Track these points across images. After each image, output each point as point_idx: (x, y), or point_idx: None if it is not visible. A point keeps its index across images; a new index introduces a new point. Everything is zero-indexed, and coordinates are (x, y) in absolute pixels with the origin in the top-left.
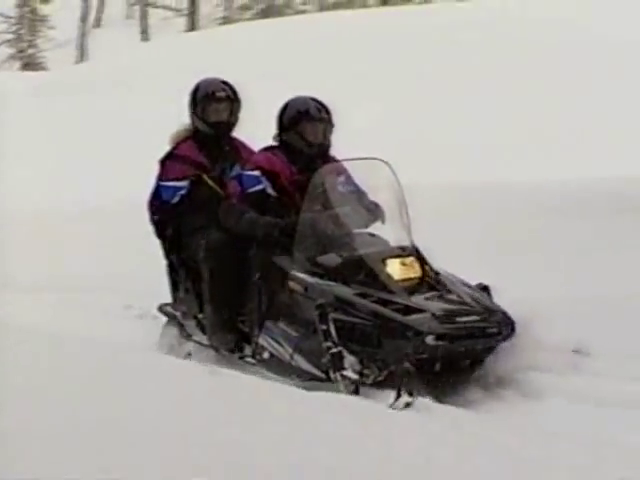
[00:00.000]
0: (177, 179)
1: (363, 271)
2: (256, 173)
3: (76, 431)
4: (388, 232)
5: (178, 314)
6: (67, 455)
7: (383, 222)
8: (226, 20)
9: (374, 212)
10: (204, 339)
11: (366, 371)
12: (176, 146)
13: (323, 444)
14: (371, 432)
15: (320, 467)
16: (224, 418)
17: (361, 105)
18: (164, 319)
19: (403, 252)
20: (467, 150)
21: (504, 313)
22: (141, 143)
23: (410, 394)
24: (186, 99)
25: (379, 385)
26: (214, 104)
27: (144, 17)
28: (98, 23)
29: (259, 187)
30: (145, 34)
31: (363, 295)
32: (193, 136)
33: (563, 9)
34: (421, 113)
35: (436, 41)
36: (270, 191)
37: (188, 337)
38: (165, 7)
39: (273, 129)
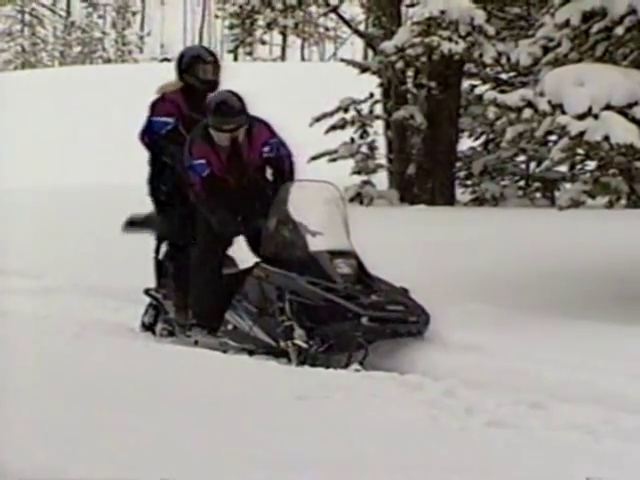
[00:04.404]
0: (165, 115)
1: (314, 266)
2: (202, 161)
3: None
4: (335, 238)
5: (159, 296)
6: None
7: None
8: None
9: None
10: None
11: (311, 342)
12: (164, 94)
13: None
14: None
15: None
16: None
17: None
18: (147, 300)
19: (346, 254)
20: None
21: (422, 308)
22: None
23: (360, 363)
24: None
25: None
26: (202, 65)
27: None
28: None
29: (207, 171)
30: None
31: (314, 283)
32: (182, 90)
33: None
34: None
35: None
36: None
37: (165, 314)
38: None
39: None
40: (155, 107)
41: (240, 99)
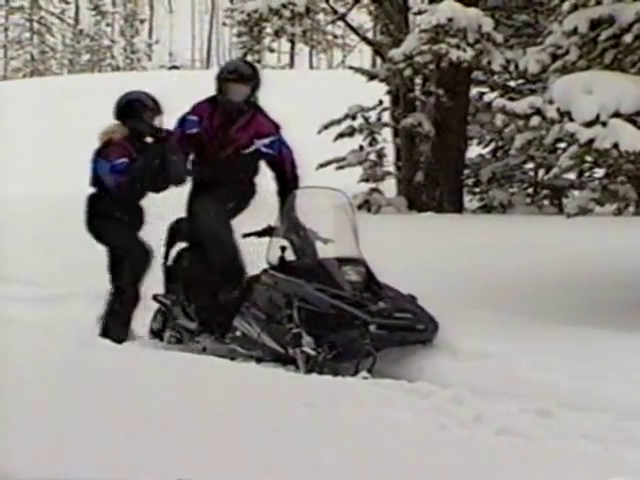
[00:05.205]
0: (121, 157)
1: (323, 273)
2: (195, 118)
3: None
4: (344, 245)
5: (168, 302)
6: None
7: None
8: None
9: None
10: (187, 322)
11: (319, 349)
12: (110, 139)
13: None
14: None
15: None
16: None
17: None
18: (156, 306)
19: (355, 261)
20: None
21: (430, 315)
22: None
23: (369, 371)
24: None
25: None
26: (149, 111)
27: None
28: None
29: (194, 130)
30: None
31: (322, 291)
32: (129, 137)
33: None
34: None
35: None
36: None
37: (174, 319)
38: None
39: None
40: (104, 152)
41: (254, 68)
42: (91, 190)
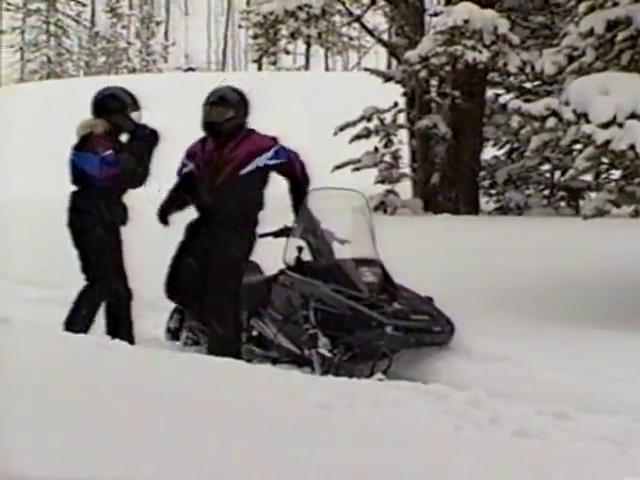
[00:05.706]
0: (108, 149)
1: (339, 274)
2: (185, 158)
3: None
4: (361, 246)
5: None
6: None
7: (342, 244)
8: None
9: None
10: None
11: (335, 351)
12: (91, 132)
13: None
14: None
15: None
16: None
17: None
18: (170, 307)
19: (371, 262)
20: None
21: (446, 317)
22: None
23: (384, 372)
24: None
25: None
26: (130, 108)
27: None
28: None
29: (187, 169)
30: None
31: (338, 292)
32: (110, 132)
33: None
34: None
35: None
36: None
37: (190, 320)
38: None
39: None
40: (87, 146)
41: (240, 93)
42: (74, 188)
